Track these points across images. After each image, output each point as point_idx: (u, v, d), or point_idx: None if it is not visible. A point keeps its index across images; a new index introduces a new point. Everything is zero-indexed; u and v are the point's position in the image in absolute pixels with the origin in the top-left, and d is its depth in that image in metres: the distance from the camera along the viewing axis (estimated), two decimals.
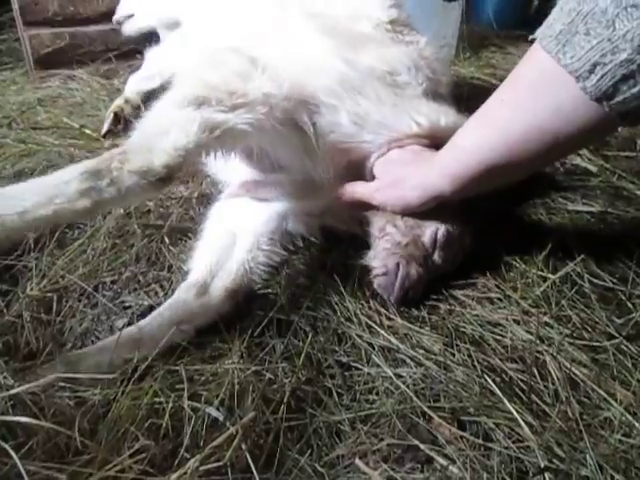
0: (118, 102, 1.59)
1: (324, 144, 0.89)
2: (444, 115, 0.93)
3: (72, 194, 0.69)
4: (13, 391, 0.60)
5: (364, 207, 0.93)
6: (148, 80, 1.73)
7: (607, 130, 0.73)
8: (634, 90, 0.60)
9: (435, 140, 0.91)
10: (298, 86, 0.86)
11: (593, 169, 1.21)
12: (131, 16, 1.78)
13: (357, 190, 0.92)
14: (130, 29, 1.80)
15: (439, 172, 0.82)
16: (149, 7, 1.75)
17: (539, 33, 0.67)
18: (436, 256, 0.91)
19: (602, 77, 0.60)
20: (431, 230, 0.90)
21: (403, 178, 0.88)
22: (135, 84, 1.73)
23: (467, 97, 1.32)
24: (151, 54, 1.78)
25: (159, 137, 0.74)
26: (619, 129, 0.69)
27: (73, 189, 0.69)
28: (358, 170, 0.95)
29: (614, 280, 0.92)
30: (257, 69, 0.84)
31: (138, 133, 0.78)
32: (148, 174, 0.73)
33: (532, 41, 0.69)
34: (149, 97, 1.70)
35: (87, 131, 1.48)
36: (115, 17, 1.81)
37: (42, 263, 0.94)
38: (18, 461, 0.48)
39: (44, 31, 1.92)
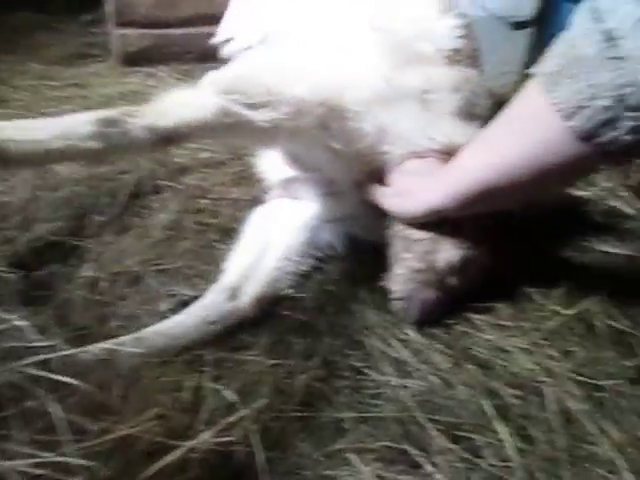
0: None
1: (349, 151, 0.96)
2: (467, 136, 0.96)
3: (85, 134, 0.77)
4: (63, 353, 0.71)
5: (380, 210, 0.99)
6: None
7: (591, 167, 0.78)
8: (614, 133, 0.64)
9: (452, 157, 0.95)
10: (333, 94, 0.93)
11: (631, 212, 1.22)
12: (230, 40, 1.93)
13: (372, 193, 0.99)
14: (229, 51, 1.95)
15: (441, 188, 0.87)
16: (247, 29, 1.89)
17: (534, 69, 0.72)
18: (453, 280, 0.95)
19: (585, 119, 0.65)
20: (446, 255, 0.94)
21: (410, 190, 0.93)
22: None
23: None
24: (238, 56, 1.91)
25: (175, 107, 0.82)
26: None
27: (87, 130, 0.77)
28: (379, 178, 1.01)
29: (629, 324, 0.94)
30: (301, 74, 0.92)
31: (157, 99, 0.85)
32: (155, 131, 0.80)
33: (529, 74, 0.74)
34: None
35: None
36: (214, 40, 1.96)
37: (99, 247, 1.06)
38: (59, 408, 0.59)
39: (132, 31, 2.10)
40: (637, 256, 1.11)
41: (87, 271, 1.00)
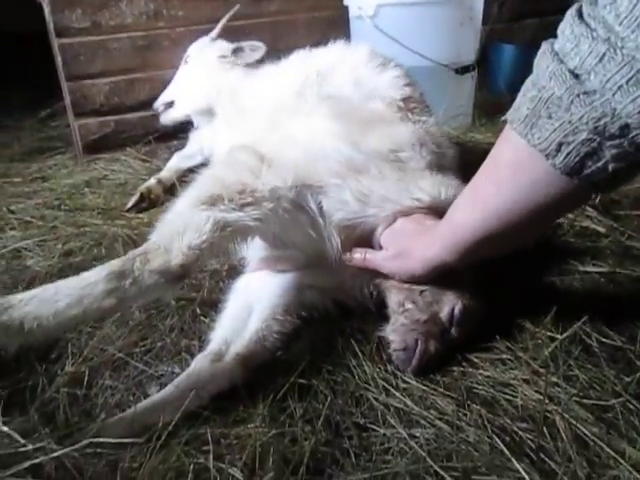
0: (149, 183, 1.75)
1: (331, 222, 0.98)
2: (445, 188, 1.00)
3: (99, 294, 0.78)
4: (54, 454, 0.67)
5: (373, 274, 1.00)
6: (190, 158, 1.93)
7: (582, 198, 0.79)
8: (599, 164, 0.66)
9: (437, 211, 0.97)
10: (303, 174, 0.97)
11: (602, 230, 1.26)
12: (170, 104, 1.99)
13: (367, 257, 0.99)
14: (166, 119, 2.03)
15: (439, 244, 0.88)
16: (185, 99, 1.96)
17: (509, 116, 0.74)
18: (453, 331, 0.95)
19: (568, 155, 0.66)
20: (449, 307, 0.94)
21: (408, 249, 0.94)
22: (177, 161, 1.92)
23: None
24: (195, 135, 1.98)
25: (175, 237, 0.84)
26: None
27: (100, 290, 0.78)
28: (367, 241, 1.01)
29: (623, 339, 0.95)
30: (264, 164, 0.95)
31: (158, 233, 0.88)
32: (166, 273, 0.82)
33: (505, 121, 0.75)
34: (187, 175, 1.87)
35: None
36: (155, 104, 2.02)
37: (81, 340, 1.03)
38: None
39: (91, 120, 2.13)
40: (615, 272, 1.13)
41: (69, 366, 0.97)
